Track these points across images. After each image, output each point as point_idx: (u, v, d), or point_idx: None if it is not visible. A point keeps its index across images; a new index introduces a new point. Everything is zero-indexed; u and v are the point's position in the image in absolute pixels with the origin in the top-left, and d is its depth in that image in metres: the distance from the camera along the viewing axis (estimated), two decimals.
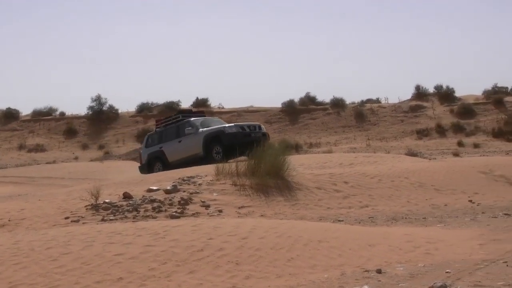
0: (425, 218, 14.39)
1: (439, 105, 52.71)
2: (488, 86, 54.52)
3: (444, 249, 10.20)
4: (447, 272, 8.49)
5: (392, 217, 14.48)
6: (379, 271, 8.50)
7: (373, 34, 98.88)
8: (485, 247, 10.35)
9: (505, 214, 14.58)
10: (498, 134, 46.29)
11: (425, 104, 52.85)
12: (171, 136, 26.89)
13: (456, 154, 36.88)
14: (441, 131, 48.40)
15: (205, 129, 25.75)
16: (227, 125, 25.85)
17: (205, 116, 28.38)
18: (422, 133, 48.55)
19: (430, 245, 10.50)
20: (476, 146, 43.65)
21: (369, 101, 58.55)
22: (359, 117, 56.28)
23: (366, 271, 8.58)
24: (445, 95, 53.53)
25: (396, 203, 16.09)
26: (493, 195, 17.25)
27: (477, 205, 16.06)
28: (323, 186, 16.82)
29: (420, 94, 54.29)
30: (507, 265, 8.86)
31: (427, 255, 9.75)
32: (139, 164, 28.37)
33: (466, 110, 50.40)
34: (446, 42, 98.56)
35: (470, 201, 16.53)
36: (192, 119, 26.75)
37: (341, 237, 10.26)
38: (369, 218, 14.47)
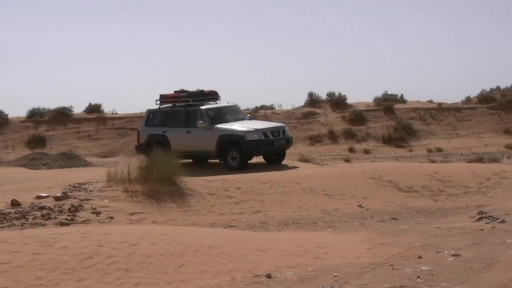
0: (315, 223, 14.61)
1: (331, 112, 53.59)
2: (379, 93, 55.61)
3: (333, 253, 10.39)
4: (335, 275, 8.65)
5: (283, 222, 14.64)
6: (268, 276, 8.58)
7: (266, 40, 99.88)
8: (372, 251, 10.60)
9: (392, 219, 14.96)
10: (387, 140, 47.36)
11: (317, 110, 53.64)
12: (179, 121, 23.37)
13: (347, 160, 37.57)
14: (333, 137, 49.18)
15: (221, 126, 22.51)
16: (247, 129, 22.38)
17: (218, 100, 24.50)
18: (314, 139, 49.25)
19: (319, 249, 10.67)
20: (366, 152, 44.58)
21: (263, 107, 59.00)
22: None
23: (256, 276, 8.65)
24: (337, 102, 54.38)
25: (288, 208, 16.28)
26: (382, 200, 17.66)
27: (366, 210, 16.42)
28: (216, 192, 16.85)
29: (313, 101, 54.97)
30: (392, 268, 9.11)
31: (317, 259, 9.91)
32: (136, 144, 24.84)
33: (358, 116, 51.36)
34: (337, 49, 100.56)
35: (360, 206, 16.88)
36: (204, 107, 23.13)
37: (232, 243, 10.31)
38: (261, 223, 14.59)
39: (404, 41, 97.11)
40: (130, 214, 14.63)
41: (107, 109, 57.34)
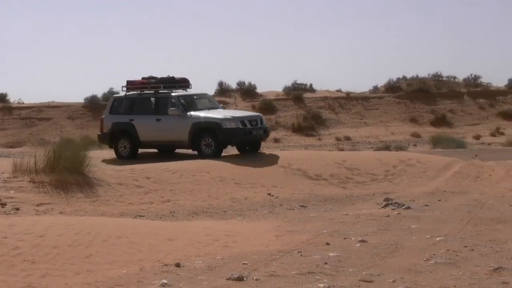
0: (225, 211, 14.64)
1: (241, 101, 53.74)
2: (288, 83, 56.05)
3: (242, 242, 10.44)
4: (244, 263, 8.70)
5: (193, 212, 14.62)
6: (178, 265, 8.56)
7: (175, 29, 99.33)
8: (281, 238, 10.69)
9: (301, 206, 15.13)
10: (297, 129, 47.88)
11: (228, 100, 53.70)
12: (147, 109, 21.97)
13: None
14: None
15: (194, 113, 21.13)
16: (223, 115, 21.15)
17: (189, 88, 23.12)
18: None
19: (229, 238, 10.70)
20: (276, 141, 44.94)
21: None
22: None
23: (165, 265, 8.62)
24: (247, 92, 54.60)
25: (197, 197, 16.26)
26: (291, 188, 17.84)
27: (275, 198, 16.55)
28: (124, 181, 16.68)
29: (223, 90, 55.00)
30: (301, 255, 9.22)
31: (226, 247, 9.94)
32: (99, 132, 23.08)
33: (268, 106, 51.66)
34: (247, 39, 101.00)
35: (269, 194, 17.00)
36: (175, 93, 21.84)
37: (141, 233, 10.23)
38: (170, 213, 14.52)
39: (311, 31, 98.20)
40: (37, 205, 14.34)
41: (13, 98, 56.01)
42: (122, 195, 15.79)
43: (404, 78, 55.86)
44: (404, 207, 14.02)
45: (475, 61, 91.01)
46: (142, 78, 22.64)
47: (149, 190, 16.35)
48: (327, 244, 10.01)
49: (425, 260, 8.64)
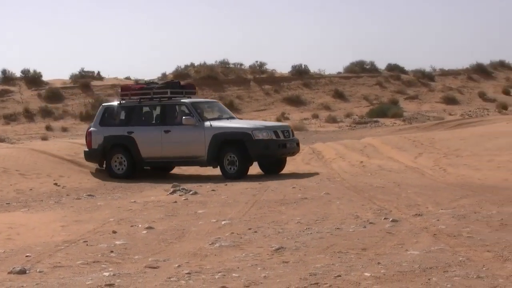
0: (9, 203, 14.13)
1: (27, 90, 52.00)
2: (75, 70, 55.01)
3: (26, 234, 10.15)
4: (27, 255, 8.46)
5: None
6: None
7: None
8: (67, 229, 10.51)
9: (89, 195, 14.92)
10: (85, 117, 47.08)
11: (12, 88, 51.78)
12: (150, 118, 18.50)
13: (44, 138, 36.70)
14: (29, 115, 47.81)
15: (214, 123, 17.72)
16: (254, 126, 17.93)
17: (195, 94, 19.80)
18: (9, 118, 47.54)
19: (11, 230, 10.38)
20: (64, 130, 43.98)
21: None
22: None
23: None
24: (32, 80, 52.93)
25: None
26: (78, 177, 17.56)
27: (62, 188, 16.20)
28: None
29: (6, 78, 52.97)
30: (87, 244, 9.10)
31: (8, 240, 9.62)
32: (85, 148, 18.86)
33: (54, 94, 50.41)
34: (30, 27, 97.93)
35: (56, 184, 16.60)
36: (188, 100, 18.22)
37: None
38: None
39: (97, 17, 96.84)
40: None
41: None
42: None
43: (192, 65, 56.51)
44: (191, 192, 14.21)
45: (260, 48, 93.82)
46: (137, 83, 19.78)
47: None
48: (114, 232, 9.95)
49: (210, 244, 8.81)
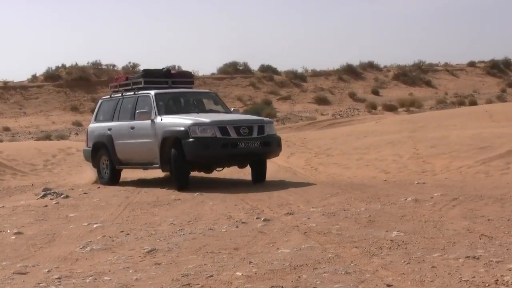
0: None
1: None
2: None
3: None
4: None
5: None
6: None
7: None
8: None
9: None
10: None
11: None
12: (127, 112, 16.01)
13: None
14: None
15: (167, 118, 14.85)
16: (195, 120, 14.42)
17: (191, 84, 17.03)
18: None
19: None
20: None
21: None
22: None
23: None
24: None
25: None
26: None
27: None
28: None
29: None
30: None
31: None
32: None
33: None
34: None
35: None
36: (156, 91, 15.57)
37: None
38: None
39: None
40: None
41: None
42: None
43: (64, 66, 55.45)
44: (63, 196, 13.95)
45: (134, 49, 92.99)
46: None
47: None
48: None
49: (81, 248, 8.66)
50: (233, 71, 59.04)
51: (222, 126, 14.21)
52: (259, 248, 8.18)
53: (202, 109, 15.86)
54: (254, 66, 61.61)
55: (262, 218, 10.14)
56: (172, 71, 16.87)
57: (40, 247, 8.98)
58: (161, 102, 15.29)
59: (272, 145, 14.70)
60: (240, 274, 6.92)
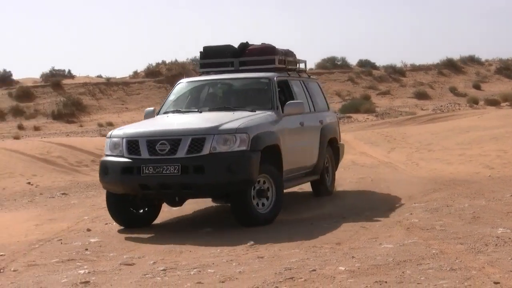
0: None
1: None
2: (46, 69, 54.69)
3: (0, 233, 10.09)
4: (1, 255, 8.42)
5: None
6: None
7: None
8: (41, 227, 10.45)
9: (63, 194, 14.82)
10: (57, 116, 46.79)
11: None
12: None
13: (17, 138, 36.45)
14: (0, 115, 47.46)
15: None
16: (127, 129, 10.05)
17: (268, 64, 11.43)
18: None
19: None
20: (37, 128, 43.71)
21: None
22: None
23: None
24: (2, 79, 52.57)
25: None
26: (51, 176, 17.42)
27: (36, 187, 16.08)
28: None
29: None
30: (61, 243, 9.08)
31: None
32: None
33: (25, 93, 50.08)
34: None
35: (29, 183, 16.49)
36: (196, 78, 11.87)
37: None
38: None
39: (63, 17, 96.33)
40: None
41: None
42: None
43: (164, 62, 56.41)
44: None
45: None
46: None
47: None
48: (88, 230, 9.93)
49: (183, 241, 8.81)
50: (331, 66, 58.80)
51: (132, 140, 9.64)
52: (362, 243, 8.13)
53: (237, 106, 10.71)
54: (352, 61, 61.24)
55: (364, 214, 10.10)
56: (249, 45, 11.93)
57: (145, 239, 9.18)
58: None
59: (210, 173, 9.16)
60: (343, 268, 6.90)
